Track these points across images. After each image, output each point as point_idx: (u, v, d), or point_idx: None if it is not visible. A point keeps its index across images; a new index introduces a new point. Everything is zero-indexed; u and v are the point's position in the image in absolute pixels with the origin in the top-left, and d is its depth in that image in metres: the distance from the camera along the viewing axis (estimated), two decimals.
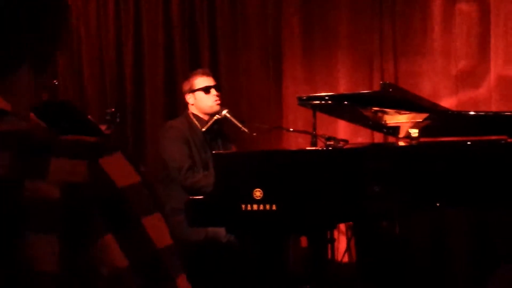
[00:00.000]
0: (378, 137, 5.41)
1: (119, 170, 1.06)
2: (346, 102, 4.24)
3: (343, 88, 5.71)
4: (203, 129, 4.79)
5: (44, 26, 1.14)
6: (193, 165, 4.64)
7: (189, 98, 4.90)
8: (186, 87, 4.93)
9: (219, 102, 4.84)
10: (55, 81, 4.88)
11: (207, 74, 4.93)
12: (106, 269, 1.00)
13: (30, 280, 0.99)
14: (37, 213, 0.99)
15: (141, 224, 1.04)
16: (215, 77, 5.07)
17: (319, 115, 4.54)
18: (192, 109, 4.90)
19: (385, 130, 4.68)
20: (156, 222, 1.07)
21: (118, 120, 4.97)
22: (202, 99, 4.85)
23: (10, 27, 1.10)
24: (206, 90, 4.84)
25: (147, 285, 1.04)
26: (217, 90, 4.87)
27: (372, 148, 4.48)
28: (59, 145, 1.05)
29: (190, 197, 4.09)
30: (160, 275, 1.06)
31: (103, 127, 4.87)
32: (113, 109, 4.92)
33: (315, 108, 4.27)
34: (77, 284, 0.99)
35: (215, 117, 4.82)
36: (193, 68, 5.41)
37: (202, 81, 4.87)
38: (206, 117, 4.85)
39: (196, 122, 4.83)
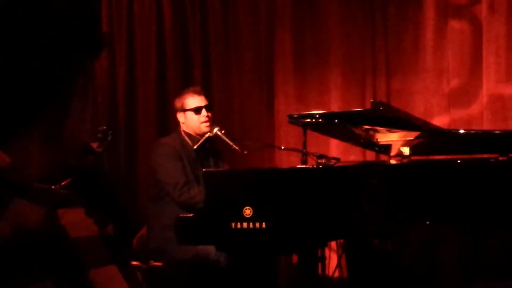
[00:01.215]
0: (370, 155, 5.41)
1: (76, 222, 1.07)
2: (337, 120, 4.24)
3: (335, 106, 5.72)
4: (195, 147, 4.78)
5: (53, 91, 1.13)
6: (188, 181, 4.63)
7: (180, 116, 4.88)
8: (177, 105, 4.91)
9: (208, 124, 4.82)
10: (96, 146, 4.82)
11: (199, 93, 4.90)
12: None
13: None
14: None
15: (87, 276, 1.03)
16: (207, 95, 5.06)
17: (312, 133, 4.54)
18: (184, 127, 4.89)
19: (376, 148, 4.69)
20: (107, 275, 1.06)
21: (110, 137, 4.97)
22: (192, 119, 4.83)
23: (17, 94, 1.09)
24: (197, 110, 4.82)
25: None
26: (208, 110, 4.85)
27: (363, 166, 4.48)
28: (28, 189, 1.05)
29: (180, 215, 4.08)
30: None
31: (94, 145, 4.87)
32: (104, 127, 4.92)
33: (305, 126, 4.26)
34: None
35: (206, 135, 4.81)
36: (186, 86, 5.41)
37: (193, 101, 4.85)
38: (198, 136, 4.84)
39: (188, 140, 4.82)
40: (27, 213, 1.03)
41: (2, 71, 1.08)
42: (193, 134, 4.85)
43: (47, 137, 1.12)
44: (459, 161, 3.98)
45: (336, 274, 5.28)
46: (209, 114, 4.85)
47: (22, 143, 1.10)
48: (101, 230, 1.10)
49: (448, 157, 4.31)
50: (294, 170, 4.16)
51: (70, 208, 1.08)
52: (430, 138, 4.26)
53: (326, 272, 4.98)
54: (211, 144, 4.90)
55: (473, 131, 4.49)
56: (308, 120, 4.22)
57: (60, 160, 1.14)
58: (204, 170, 4.31)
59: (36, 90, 1.10)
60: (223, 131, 4.77)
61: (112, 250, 1.10)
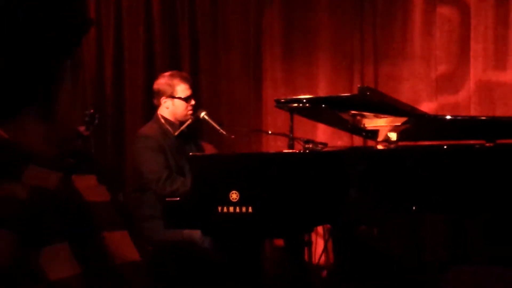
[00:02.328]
0: (358, 141, 5.41)
1: (90, 188, 1.11)
2: (324, 105, 4.23)
3: (323, 91, 5.71)
4: (176, 134, 4.72)
5: (47, 66, 1.15)
6: (170, 174, 4.58)
7: (166, 102, 4.76)
8: (165, 89, 4.77)
9: (192, 111, 4.76)
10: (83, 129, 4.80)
11: (188, 81, 4.80)
12: (55, 274, 1.01)
13: None
14: (1, 209, 1.01)
15: (101, 237, 1.06)
16: (195, 80, 5.03)
17: (300, 118, 4.53)
18: (164, 113, 4.78)
19: (364, 134, 4.68)
20: (119, 238, 1.10)
21: (97, 121, 4.94)
22: (180, 107, 4.74)
23: (13, 69, 1.11)
24: (187, 99, 4.77)
25: None
26: (194, 99, 4.81)
27: (350, 151, 4.48)
28: (41, 156, 1.09)
29: (167, 199, 4.07)
30: None
31: (81, 128, 4.85)
32: (92, 110, 4.90)
33: (292, 111, 4.26)
34: (22, 282, 1.00)
35: (187, 122, 4.73)
36: (173, 68, 5.36)
37: (184, 89, 4.74)
38: (177, 122, 4.76)
39: (168, 127, 4.73)
40: (42, 177, 1.06)
41: None
42: (174, 120, 4.76)
43: (41, 119, 1.15)
44: (445, 147, 3.97)
45: (322, 259, 5.29)
46: (195, 102, 4.80)
47: (18, 123, 1.13)
48: (113, 197, 1.13)
49: (435, 143, 4.30)
50: (281, 154, 4.15)
51: (83, 174, 1.12)
52: (417, 124, 4.26)
53: (312, 257, 5.00)
54: (189, 129, 4.83)
55: (460, 117, 4.49)
56: (295, 105, 4.21)
57: (54, 143, 1.17)
58: (190, 154, 4.29)
59: (27, 71, 1.12)
60: (209, 115, 4.74)
61: (122, 216, 1.13)
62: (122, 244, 1.10)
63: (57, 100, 1.15)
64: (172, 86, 4.77)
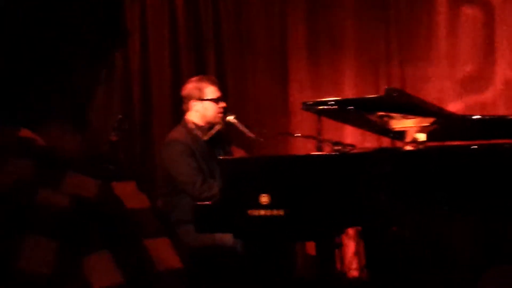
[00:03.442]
0: (385, 142, 5.40)
1: (130, 194, 1.09)
2: (351, 107, 4.22)
3: (349, 93, 5.71)
4: (205, 138, 4.74)
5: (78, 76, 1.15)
6: (205, 178, 4.58)
7: (196, 105, 4.78)
8: (193, 93, 4.80)
9: (223, 114, 4.79)
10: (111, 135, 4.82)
11: (217, 84, 4.84)
12: (98, 283, 1.00)
13: (22, 279, 0.99)
14: (42, 218, 1.01)
15: (143, 244, 1.06)
16: (221, 83, 5.04)
17: (328, 120, 4.53)
18: (193, 117, 4.80)
19: (391, 135, 4.67)
20: (161, 246, 1.09)
21: (126, 127, 4.97)
22: (210, 109, 4.76)
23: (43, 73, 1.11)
24: (217, 101, 4.79)
25: None
26: (223, 101, 4.84)
27: (379, 152, 4.46)
28: (79, 164, 1.09)
29: (198, 203, 4.08)
30: None
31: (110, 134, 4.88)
32: (120, 116, 4.92)
33: (320, 113, 4.26)
34: None
35: (217, 127, 4.76)
36: (200, 74, 5.39)
37: (213, 91, 4.78)
38: (206, 125, 4.78)
39: (197, 131, 4.74)
40: (82, 185, 1.05)
41: (29, 58, 1.10)
42: (204, 123, 4.78)
43: (74, 124, 1.15)
44: (474, 146, 3.96)
45: (354, 262, 5.28)
46: (225, 105, 4.83)
47: (52, 129, 1.13)
48: (152, 203, 1.13)
49: (463, 143, 4.29)
50: (310, 157, 4.14)
51: (123, 181, 1.12)
52: (445, 124, 4.24)
53: (344, 259, 5.00)
54: (218, 133, 4.85)
55: (487, 117, 4.46)
56: (323, 107, 4.21)
57: (87, 150, 1.18)
58: (220, 158, 4.29)
59: (63, 77, 1.12)
60: (237, 119, 4.75)
61: (163, 223, 1.14)
62: (163, 251, 1.09)
63: (91, 104, 1.16)
64: (200, 89, 4.79)
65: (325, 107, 4.21)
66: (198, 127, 4.76)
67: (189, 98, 4.82)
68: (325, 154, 4.15)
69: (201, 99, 4.77)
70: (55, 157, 1.08)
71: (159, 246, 1.08)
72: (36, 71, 1.11)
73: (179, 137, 4.72)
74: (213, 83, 4.83)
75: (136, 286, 1.03)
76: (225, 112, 4.79)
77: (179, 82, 5.99)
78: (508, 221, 4.54)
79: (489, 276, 4.12)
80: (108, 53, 1.18)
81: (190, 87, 4.85)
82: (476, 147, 3.96)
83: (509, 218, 4.39)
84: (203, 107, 4.78)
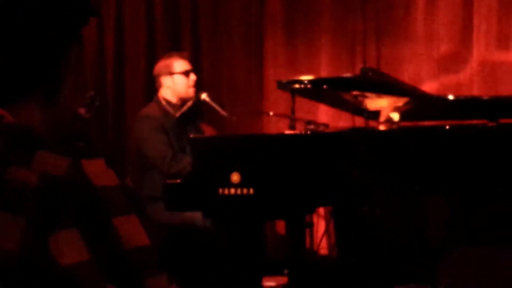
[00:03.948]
0: (359, 122, 5.39)
1: (99, 172, 1.12)
2: (325, 86, 4.21)
3: (325, 72, 5.69)
4: (177, 115, 4.72)
5: (52, 51, 1.16)
6: (175, 153, 4.58)
7: (166, 81, 4.77)
8: (162, 69, 4.80)
9: (195, 87, 4.78)
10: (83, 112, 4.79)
11: (186, 58, 4.85)
12: (65, 260, 1.02)
13: None
14: (11, 194, 1.03)
15: (112, 223, 1.07)
16: (196, 61, 5.02)
17: (301, 99, 4.51)
18: (165, 93, 4.78)
19: (366, 114, 4.66)
20: (129, 223, 1.12)
21: (97, 103, 4.93)
22: (181, 83, 4.76)
23: (20, 54, 1.13)
24: (186, 74, 4.77)
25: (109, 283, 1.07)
26: (194, 74, 4.81)
27: (352, 132, 4.46)
28: (49, 141, 1.10)
29: (167, 181, 4.05)
30: (125, 275, 1.09)
31: (82, 111, 4.83)
32: (92, 93, 4.88)
33: (294, 92, 4.24)
34: (33, 268, 1.01)
35: (188, 103, 4.75)
36: (175, 51, 5.35)
37: (181, 64, 4.79)
38: (179, 102, 4.76)
39: (169, 108, 4.73)
40: (52, 163, 1.07)
41: (2, 37, 1.13)
42: (176, 100, 4.76)
43: (45, 103, 1.17)
44: (448, 127, 3.95)
45: (324, 240, 5.28)
46: (196, 78, 4.80)
47: (24, 107, 1.14)
48: (121, 181, 1.14)
49: (437, 123, 4.29)
50: (282, 136, 4.13)
51: (92, 158, 1.13)
52: (419, 104, 4.24)
53: (314, 238, 5.00)
54: (190, 111, 4.83)
55: (462, 97, 4.47)
56: (297, 86, 4.19)
57: (56, 127, 1.19)
58: (190, 136, 4.27)
59: (34, 56, 1.14)
60: (210, 97, 4.73)
61: (132, 201, 1.15)
62: (131, 229, 1.13)
63: (61, 82, 1.17)
64: (169, 65, 4.80)
65: (300, 85, 4.19)
66: (170, 104, 4.75)
67: (160, 74, 4.83)
68: (297, 133, 4.13)
69: (171, 73, 4.76)
70: (24, 134, 1.10)
71: (127, 224, 1.10)
72: (4, 50, 1.12)
73: (151, 113, 4.72)
74: (181, 57, 4.83)
75: (103, 263, 1.04)
76: (197, 86, 4.77)
77: (154, 60, 5.94)
78: (480, 202, 4.55)
79: (451, 257, 4.14)
80: (78, 26, 1.19)
81: (159, 64, 4.88)
82: (449, 127, 3.95)
83: (481, 199, 4.40)
84: (173, 82, 4.77)
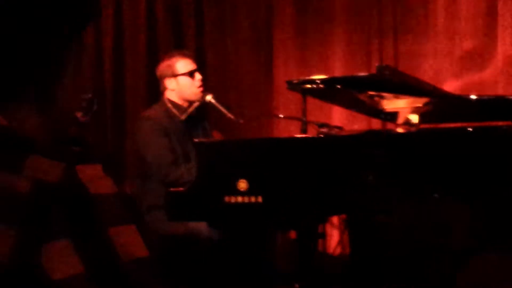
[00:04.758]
0: (376, 124, 5.40)
1: (95, 179, 1.11)
2: (339, 86, 4.22)
3: (339, 71, 5.71)
4: (182, 117, 4.74)
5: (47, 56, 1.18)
6: (175, 159, 4.59)
7: (170, 83, 4.79)
8: (165, 70, 4.81)
9: (202, 87, 4.80)
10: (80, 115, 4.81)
11: (189, 57, 4.86)
12: (57, 274, 1.04)
13: None
14: (0, 204, 1.04)
15: (107, 234, 1.07)
16: (200, 59, 5.03)
17: (313, 100, 4.52)
18: (171, 95, 4.81)
19: (382, 116, 4.67)
20: (127, 234, 1.11)
21: (95, 107, 4.96)
22: (186, 85, 4.77)
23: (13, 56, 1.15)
24: (191, 74, 4.78)
25: None
26: (200, 73, 4.83)
27: (368, 135, 4.46)
28: (43, 146, 1.10)
29: (170, 189, 4.06)
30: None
31: (78, 115, 4.86)
32: (90, 95, 4.90)
33: (305, 92, 4.24)
34: (23, 282, 1.02)
35: (195, 104, 4.76)
36: (177, 48, 5.37)
37: (185, 64, 4.80)
38: (185, 104, 4.78)
39: (174, 110, 4.76)
40: (45, 169, 1.09)
41: None
42: (182, 101, 4.79)
43: (41, 105, 1.19)
44: (470, 129, 3.95)
45: (338, 251, 5.29)
46: (201, 77, 4.82)
47: (16, 109, 1.17)
48: (120, 188, 1.14)
49: (460, 124, 4.29)
50: (292, 139, 4.13)
51: (88, 164, 1.13)
52: (440, 105, 4.25)
53: (327, 249, 5.00)
54: (198, 113, 4.85)
55: (486, 97, 4.46)
56: (309, 86, 4.19)
57: (52, 130, 1.18)
58: (195, 140, 4.29)
59: (27, 56, 1.16)
60: (216, 99, 4.74)
61: (130, 210, 1.14)
62: (129, 240, 1.11)
63: (59, 84, 1.16)
64: (171, 65, 4.81)
65: (312, 86, 4.20)
66: (176, 105, 4.77)
67: (163, 77, 4.85)
68: (309, 137, 4.14)
69: (174, 75, 4.78)
70: (16, 138, 1.12)
71: (124, 234, 1.09)
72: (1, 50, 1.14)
73: (152, 115, 4.75)
74: (184, 56, 4.83)
75: (99, 276, 1.04)
76: (204, 86, 4.78)
77: (155, 59, 5.97)
78: (504, 208, 4.56)
79: (472, 265, 4.14)
80: (78, 25, 1.18)
81: (162, 65, 4.88)
82: (472, 129, 3.95)
83: (505, 205, 4.41)
84: (177, 84, 4.79)
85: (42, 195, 1.05)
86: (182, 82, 4.78)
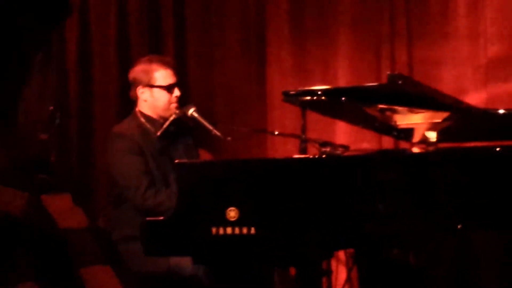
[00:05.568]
0: (387, 142, 5.42)
1: (64, 210, 1.10)
2: (344, 98, 4.23)
3: (343, 80, 5.73)
4: (158, 133, 4.73)
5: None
6: (152, 182, 4.59)
7: (143, 93, 4.79)
8: (141, 77, 4.80)
9: (177, 104, 4.77)
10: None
11: (171, 67, 4.83)
12: None
13: None
14: None
15: (78, 274, 1.07)
16: (181, 64, 5.02)
17: (314, 115, 4.53)
18: (143, 108, 4.80)
19: (395, 133, 4.69)
20: (100, 275, 1.10)
21: (58, 121, 4.95)
22: (161, 99, 4.75)
23: None
24: (169, 88, 4.78)
25: None
26: (179, 89, 4.80)
27: (378, 156, 4.48)
28: (2, 172, 1.10)
29: (147, 219, 4.05)
30: None
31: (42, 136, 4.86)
32: (51, 107, 4.91)
33: (305, 105, 4.26)
34: None
35: (171, 118, 4.75)
36: (153, 51, 5.37)
37: (165, 76, 4.78)
38: (160, 119, 4.78)
39: (149, 125, 4.76)
40: (6, 199, 1.12)
41: None
42: (156, 116, 4.79)
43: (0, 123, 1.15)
44: (498, 149, 3.97)
45: None
46: (180, 94, 4.80)
47: None
48: (91, 222, 1.14)
49: (485, 143, 4.31)
50: (290, 160, 4.15)
51: (56, 194, 1.13)
52: (462, 120, 4.27)
53: None
54: (177, 127, 4.84)
55: None
56: (309, 98, 4.21)
57: (13, 153, 1.18)
58: (176, 161, 4.28)
59: None
60: (199, 112, 4.73)
61: (103, 247, 1.14)
62: (102, 282, 1.11)
63: (20, 99, 1.16)
64: (149, 73, 4.79)
65: (312, 97, 4.22)
66: (149, 119, 4.76)
67: (136, 83, 4.84)
68: (309, 158, 4.15)
69: (150, 85, 4.77)
70: None
71: (97, 275, 1.09)
72: None
73: (124, 131, 4.75)
74: (165, 65, 4.81)
75: None
76: (182, 103, 4.76)
77: (128, 65, 5.96)
78: None
79: None
80: (44, 34, 1.18)
81: (137, 69, 4.86)
82: (500, 149, 3.97)
83: None
84: (151, 96, 4.78)
85: (3, 229, 1.05)
86: (157, 95, 4.78)
